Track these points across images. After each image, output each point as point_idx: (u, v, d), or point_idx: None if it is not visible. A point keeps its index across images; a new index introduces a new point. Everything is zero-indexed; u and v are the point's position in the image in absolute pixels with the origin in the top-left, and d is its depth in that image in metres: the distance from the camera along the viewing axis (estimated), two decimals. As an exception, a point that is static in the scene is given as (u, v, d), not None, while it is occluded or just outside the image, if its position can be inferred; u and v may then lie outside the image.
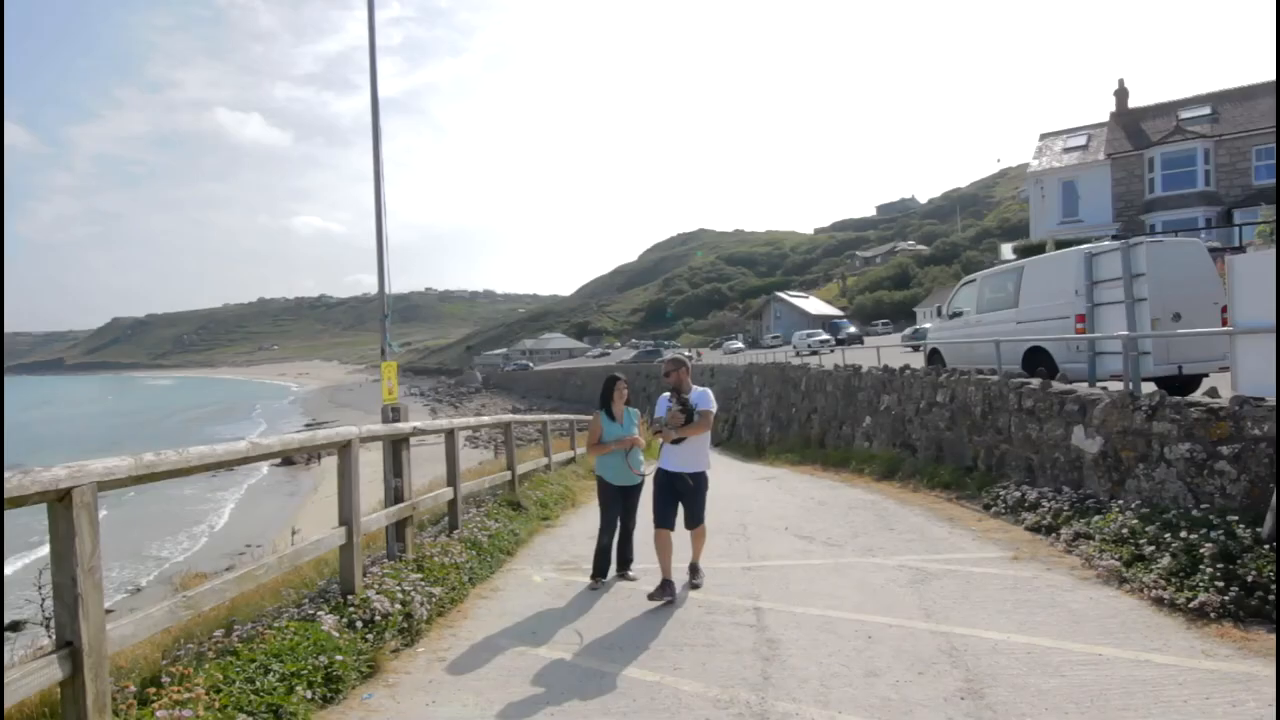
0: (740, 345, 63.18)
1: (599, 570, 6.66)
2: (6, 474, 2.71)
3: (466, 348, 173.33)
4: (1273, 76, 28.57)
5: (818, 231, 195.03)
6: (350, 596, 5.09)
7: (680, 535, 6.22)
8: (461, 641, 5.29)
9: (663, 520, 6.05)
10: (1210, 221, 26.38)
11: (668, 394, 6.23)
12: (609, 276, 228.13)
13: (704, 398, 6.15)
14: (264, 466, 34.41)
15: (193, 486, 30.60)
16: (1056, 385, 8.97)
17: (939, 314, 14.92)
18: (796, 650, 4.81)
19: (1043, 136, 34.25)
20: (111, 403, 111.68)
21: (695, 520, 6.23)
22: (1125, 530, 6.27)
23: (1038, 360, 10.65)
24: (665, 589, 5.91)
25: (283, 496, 29.52)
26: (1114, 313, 9.45)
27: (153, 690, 3.53)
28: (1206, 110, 29.42)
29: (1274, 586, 4.91)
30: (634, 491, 6.71)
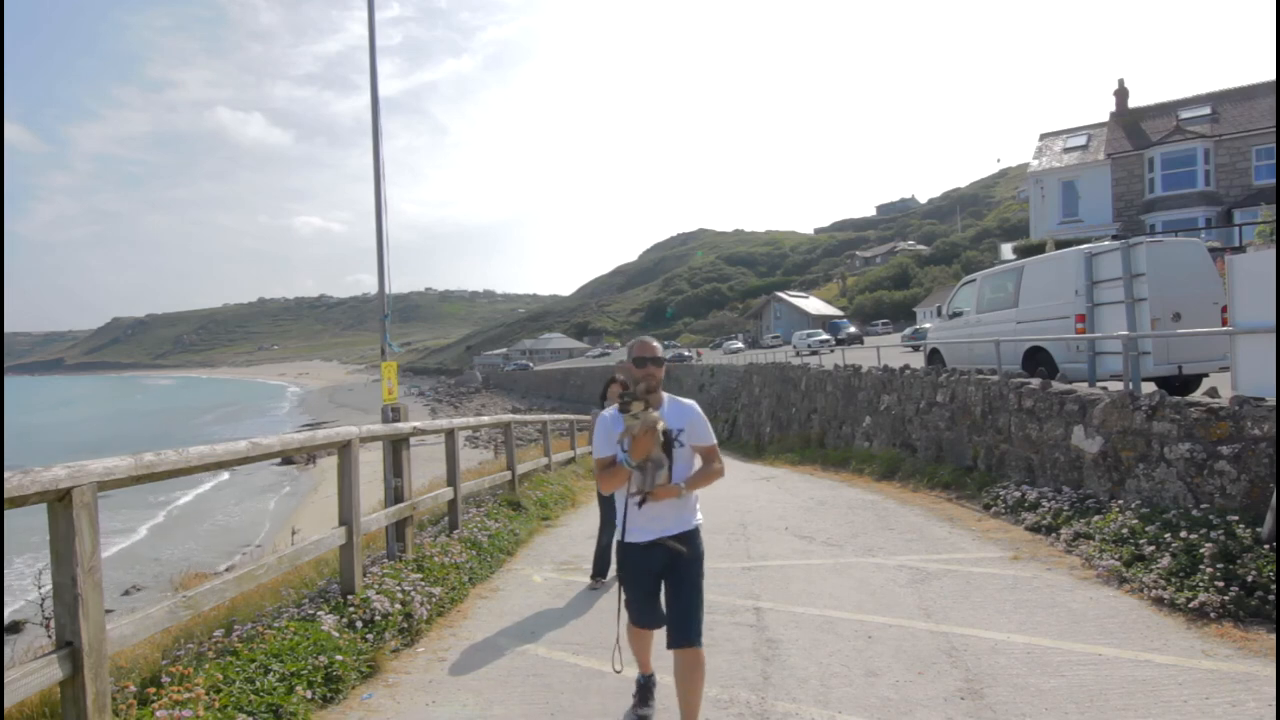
0: (740, 345, 63.18)
1: (599, 570, 6.67)
2: (6, 474, 2.71)
3: (466, 348, 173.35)
4: (1273, 76, 28.58)
5: (818, 231, 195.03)
6: (350, 596, 5.09)
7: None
8: (461, 641, 5.29)
9: (648, 619, 3.67)
10: (1210, 221, 26.37)
11: (616, 410, 3.50)
12: (609, 276, 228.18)
13: (695, 419, 3.53)
14: (299, 471, 34.41)
15: (232, 492, 30.66)
16: (1056, 385, 8.96)
17: (939, 314, 14.92)
18: (796, 650, 4.81)
19: (1043, 136, 34.24)
20: (138, 402, 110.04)
21: (686, 627, 3.44)
22: (1125, 530, 6.27)
23: (1038, 360, 10.64)
24: (645, 695, 3.91)
25: (283, 496, 29.51)
26: (1114, 313, 9.45)
27: (153, 690, 3.53)
28: (1206, 110, 29.41)
29: (1274, 586, 4.91)
30: None
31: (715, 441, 3.58)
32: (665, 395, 3.52)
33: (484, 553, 7.28)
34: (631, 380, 3.47)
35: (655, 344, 3.58)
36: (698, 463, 3.59)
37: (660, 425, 3.35)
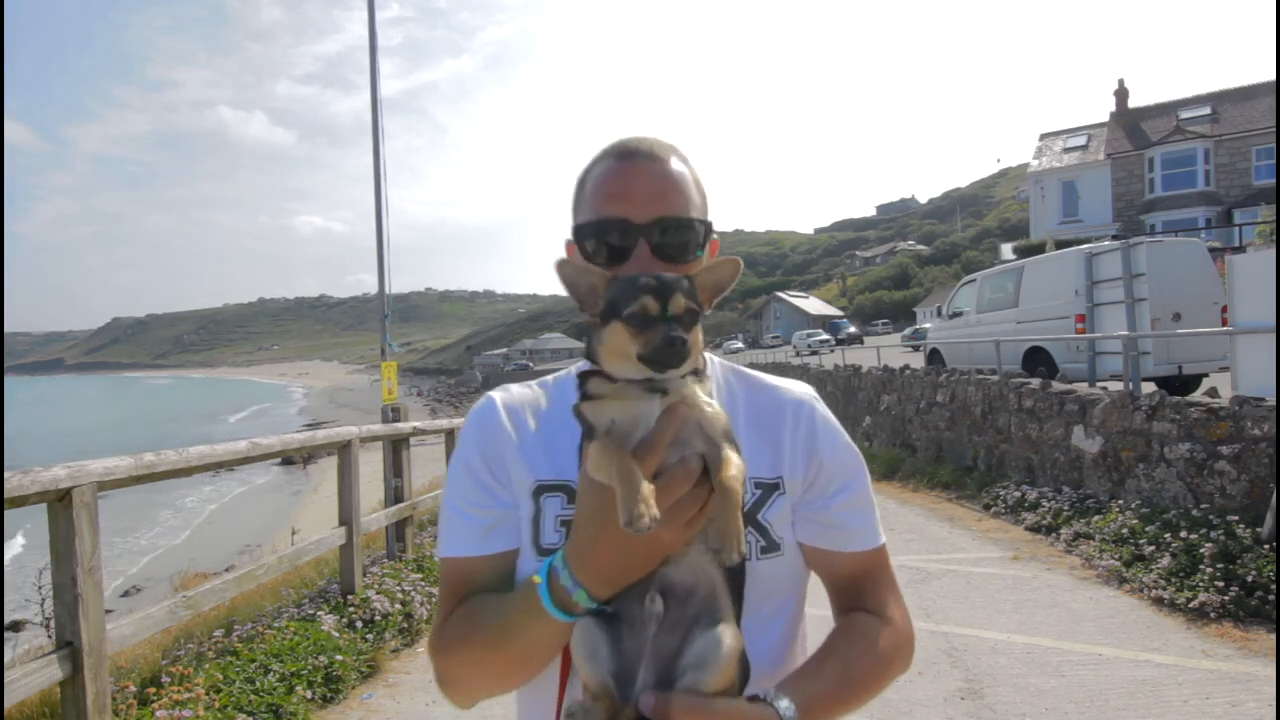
0: (740, 345, 63.22)
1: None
2: (6, 474, 2.71)
3: (466, 348, 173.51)
4: (1273, 76, 28.59)
5: (818, 231, 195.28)
6: (350, 596, 5.10)
7: None
8: (461, 641, 5.29)
9: None
10: (1210, 221, 26.38)
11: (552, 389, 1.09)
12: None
13: (829, 452, 1.05)
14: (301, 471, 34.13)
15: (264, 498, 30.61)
16: (1056, 385, 8.97)
17: (939, 314, 14.93)
18: (796, 650, 4.82)
19: (1043, 136, 34.25)
20: (156, 405, 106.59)
21: None
22: (1125, 530, 6.27)
23: (1038, 360, 10.65)
24: None
25: (283, 496, 29.52)
26: (1114, 313, 9.46)
27: (153, 690, 3.53)
28: (1206, 110, 29.42)
29: (1274, 586, 4.91)
30: None
31: (883, 538, 1.09)
32: (715, 362, 1.15)
33: (484, 553, 7.28)
34: (572, 284, 0.89)
35: (672, 174, 1.00)
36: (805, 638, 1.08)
37: (735, 467, 0.84)
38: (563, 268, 0.89)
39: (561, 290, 0.90)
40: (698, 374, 0.88)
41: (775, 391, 1.11)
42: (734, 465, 0.84)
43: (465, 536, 1.01)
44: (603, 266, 0.96)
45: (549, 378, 1.13)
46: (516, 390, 1.10)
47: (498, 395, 1.08)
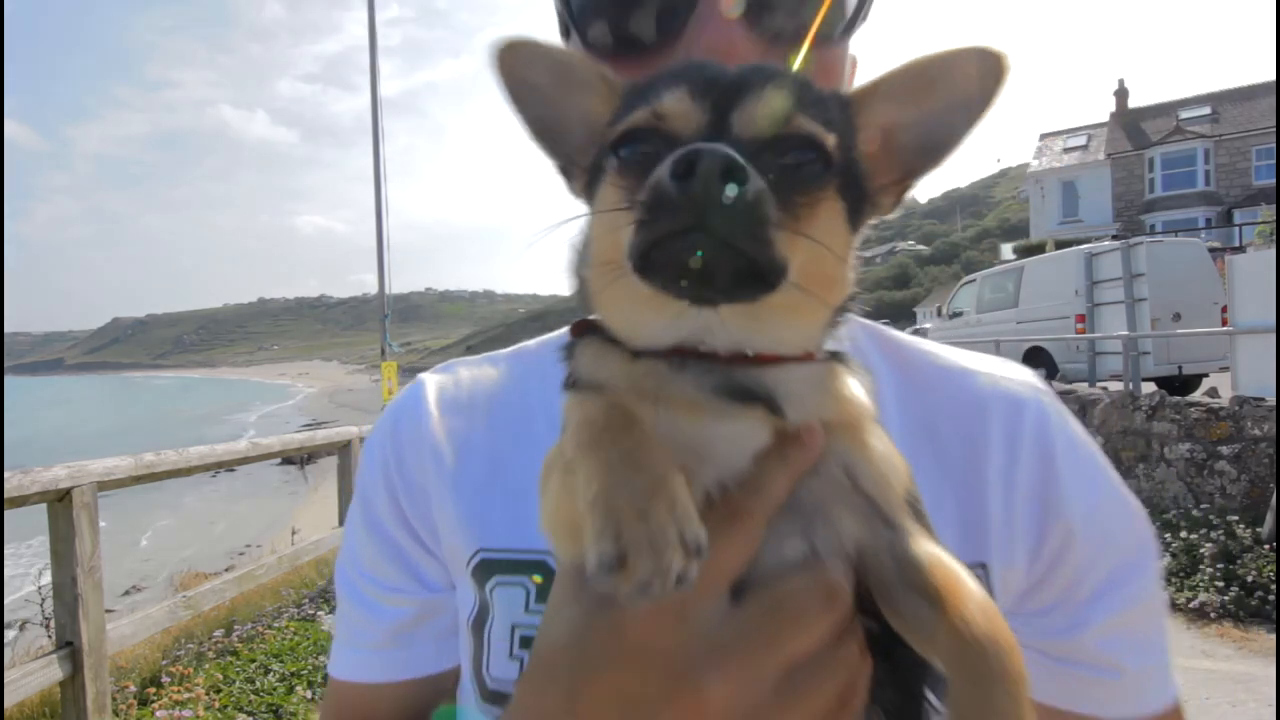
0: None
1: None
2: (6, 474, 2.71)
3: (467, 348, 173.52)
4: (1273, 76, 28.62)
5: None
6: (350, 596, 5.10)
7: None
8: (461, 641, 5.29)
9: None
10: (1210, 221, 26.40)
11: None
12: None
13: (1100, 497, 0.65)
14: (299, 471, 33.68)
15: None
16: (1056, 385, 8.97)
17: (939, 314, 14.93)
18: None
19: (1043, 136, 34.28)
20: (169, 405, 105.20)
21: None
22: (1125, 530, 6.28)
23: (1038, 360, 10.65)
24: None
25: (283, 496, 29.50)
26: (1114, 313, 9.47)
27: (153, 690, 3.54)
28: (1206, 110, 29.44)
29: (1274, 586, 4.91)
30: None
31: (1178, 687, 0.74)
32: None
33: (484, 553, 7.29)
34: (529, 94, 0.51)
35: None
36: None
37: (976, 606, 0.42)
38: (509, 56, 0.46)
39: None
40: (836, 353, 0.46)
41: (964, 379, 0.62)
42: (975, 600, 0.40)
43: (363, 645, 0.63)
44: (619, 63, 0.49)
45: (531, 342, 0.72)
46: (466, 372, 0.70)
47: (432, 381, 0.70)
